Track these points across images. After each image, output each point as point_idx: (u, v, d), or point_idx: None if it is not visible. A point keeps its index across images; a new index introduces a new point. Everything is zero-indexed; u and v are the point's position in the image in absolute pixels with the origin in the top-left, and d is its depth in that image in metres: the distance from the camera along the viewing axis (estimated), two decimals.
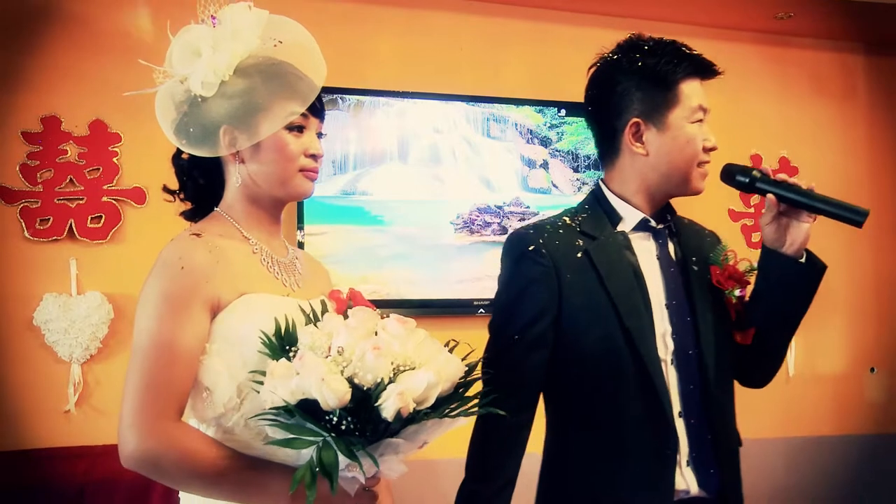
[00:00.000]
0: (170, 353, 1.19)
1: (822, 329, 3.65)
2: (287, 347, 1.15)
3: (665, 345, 1.50)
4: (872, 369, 3.74)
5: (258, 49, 1.33)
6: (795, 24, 3.56)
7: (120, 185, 2.76)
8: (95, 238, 2.74)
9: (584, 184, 3.32)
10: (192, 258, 1.23)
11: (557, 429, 1.57)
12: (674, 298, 1.52)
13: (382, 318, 1.19)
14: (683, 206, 1.63)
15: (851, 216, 1.40)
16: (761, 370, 1.64)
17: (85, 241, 2.74)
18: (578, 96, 3.52)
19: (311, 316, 1.23)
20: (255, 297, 1.27)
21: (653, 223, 1.56)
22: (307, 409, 1.07)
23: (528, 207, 3.25)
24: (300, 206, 2.94)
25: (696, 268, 1.56)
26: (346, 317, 1.21)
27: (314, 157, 1.36)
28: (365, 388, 1.08)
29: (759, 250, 1.54)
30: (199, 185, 1.40)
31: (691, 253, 1.58)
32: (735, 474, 1.54)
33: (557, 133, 3.31)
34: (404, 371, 1.10)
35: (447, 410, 1.13)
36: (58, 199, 2.72)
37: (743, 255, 1.59)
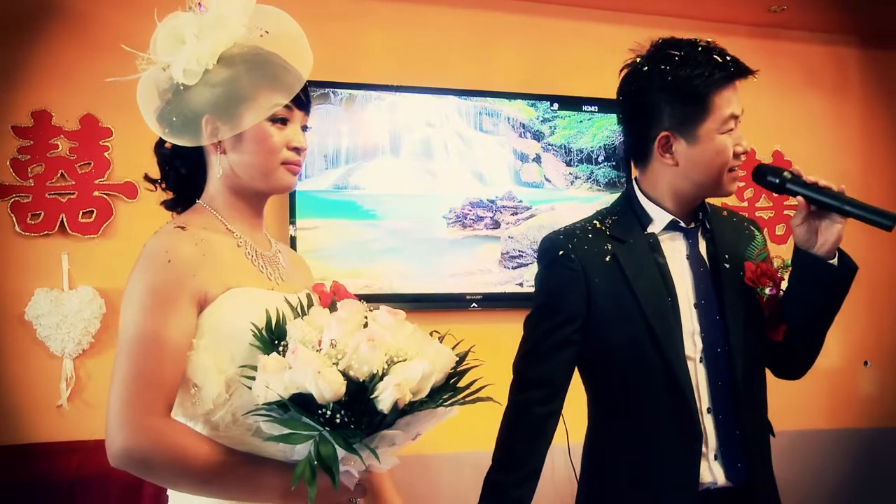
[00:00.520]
0: (157, 347, 1.16)
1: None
2: (277, 341, 1.14)
3: (694, 344, 1.54)
4: (866, 363, 3.74)
5: (244, 38, 1.31)
6: (788, 16, 3.55)
7: (111, 180, 2.76)
8: (87, 233, 2.74)
9: (576, 178, 3.32)
10: (179, 251, 1.21)
11: (593, 419, 1.64)
12: (703, 298, 1.56)
13: (370, 309, 1.18)
14: None
15: (881, 220, 1.40)
16: (794, 364, 1.65)
17: (76, 236, 2.74)
18: (571, 90, 3.54)
19: (299, 309, 1.22)
20: (241, 290, 1.25)
21: (682, 224, 1.58)
22: (300, 403, 1.06)
23: (520, 202, 3.25)
24: (292, 200, 2.94)
25: (727, 265, 1.57)
26: (332, 309, 1.21)
27: (297, 150, 1.33)
28: (360, 381, 1.07)
29: (781, 244, 1.56)
30: (181, 174, 1.37)
31: (726, 250, 1.59)
32: (765, 465, 1.57)
33: (550, 127, 3.30)
34: (397, 362, 1.09)
35: (441, 400, 1.12)
36: (49, 194, 2.71)
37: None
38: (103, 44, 2.73)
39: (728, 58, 1.53)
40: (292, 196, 2.93)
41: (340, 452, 1.07)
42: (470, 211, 3.18)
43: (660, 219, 1.58)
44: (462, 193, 3.18)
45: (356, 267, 3.04)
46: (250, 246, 1.34)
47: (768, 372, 1.66)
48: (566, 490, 2.89)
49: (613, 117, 3.18)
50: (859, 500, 3.50)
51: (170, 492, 1.28)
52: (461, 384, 1.16)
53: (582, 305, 1.55)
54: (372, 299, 2.96)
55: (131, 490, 2.52)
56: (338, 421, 1.05)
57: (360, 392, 1.06)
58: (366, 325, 1.14)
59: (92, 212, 2.75)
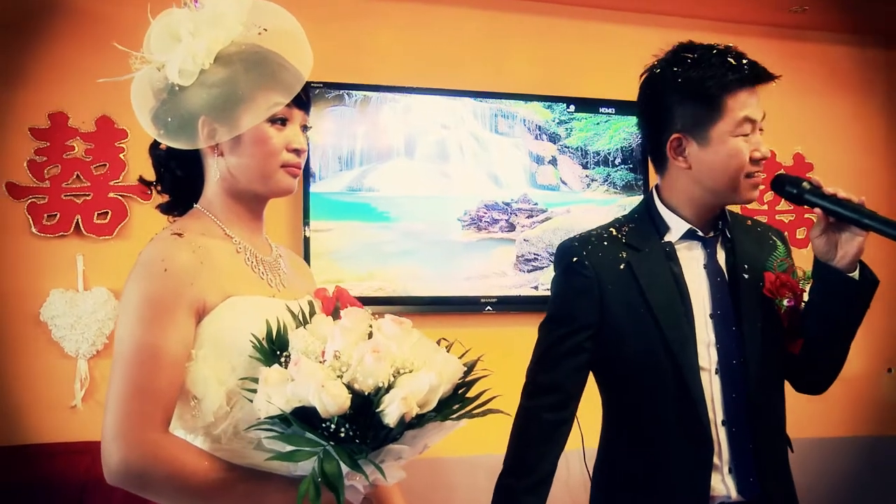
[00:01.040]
0: (154, 359, 1.12)
1: None
2: (278, 352, 1.10)
3: (709, 355, 1.51)
4: (890, 370, 3.67)
5: (241, 36, 1.26)
6: (809, 17, 3.50)
7: (126, 181, 2.77)
8: (102, 234, 2.75)
9: (592, 180, 3.29)
10: (176, 259, 1.17)
11: (607, 426, 1.63)
12: (719, 308, 1.53)
13: (375, 317, 1.14)
14: None
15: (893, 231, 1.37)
16: (814, 379, 1.61)
17: (91, 237, 2.75)
18: (586, 91, 3.50)
19: (301, 317, 1.18)
20: (241, 299, 1.21)
21: (700, 233, 1.56)
22: (303, 417, 1.02)
23: (536, 204, 3.22)
24: (306, 201, 2.93)
25: (746, 276, 1.54)
26: (335, 316, 1.17)
27: (297, 151, 1.29)
28: (366, 394, 1.03)
29: (801, 248, 1.53)
30: (177, 177, 1.33)
31: (746, 260, 1.56)
32: (780, 480, 1.54)
33: (566, 129, 3.27)
34: (403, 374, 1.05)
35: (449, 413, 1.08)
36: (65, 195, 2.73)
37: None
38: (120, 45, 2.74)
39: (744, 61, 1.50)
40: (306, 198, 2.93)
41: (345, 468, 1.03)
42: (485, 213, 3.16)
43: (677, 227, 1.56)
44: (477, 196, 3.16)
45: (370, 269, 3.02)
46: (250, 251, 1.30)
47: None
48: (581, 496, 2.85)
49: (630, 119, 3.20)
50: None
51: None
52: (470, 395, 1.12)
53: (595, 313, 1.53)
54: (386, 302, 2.97)
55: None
56: (342, 435, 1.01)
57: (365, 405, 1.02)
58: (370, 335, 1.10)
59: (107, 213, 2.76)
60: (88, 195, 2.74)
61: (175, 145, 1.26)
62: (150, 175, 1.36)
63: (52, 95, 2.74)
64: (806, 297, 1.53)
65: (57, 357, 2.69)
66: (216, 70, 1.23)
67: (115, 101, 2.74)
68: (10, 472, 2.55)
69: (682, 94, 1.51)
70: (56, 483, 2.56)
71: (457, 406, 1.10)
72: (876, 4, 3.35)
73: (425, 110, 3.13)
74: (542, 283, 3.16)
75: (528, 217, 3.21)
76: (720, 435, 1.50)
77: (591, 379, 1.61)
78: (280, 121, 1.27)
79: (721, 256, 1.57)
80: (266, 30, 1.27)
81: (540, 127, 3.25)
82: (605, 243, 1.57)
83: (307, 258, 2.90)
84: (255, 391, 1.07)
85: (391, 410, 1.01)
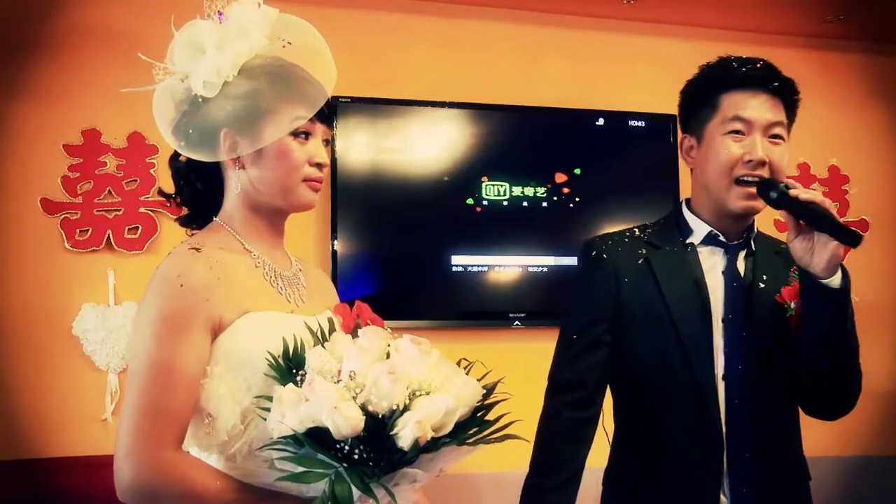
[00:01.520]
0: (169, 376, 1.11)
1: (879, 343, 3.50)
2: (294, 370, 1.09)
3: (717, 359, 1.50)
4: None
5: (265, 49, 1.26)
6: (845, 27, 3.43)
7: (156, 196, 2.79)
8: (132, 249, 2.78)
9: None
10: (192, 275, 1.16)
11: (618, 427, 1.61)
12: (731, 313, 1.51)
13: (394, 336, 1.13)
14: None
15: (842, 237, 1.32)
16: (817, 400, 1.55)
17: (122, 252, 2.78)
18: (619, 105, 3.45)
19: (319, 335, 1.16)
20: (258, 315, 1.20)
21: (722, 238, 1.55)
22: (316, 438, 1.01)
23: None
24: (334, 214, 2.93)
25: (763, 285, 1.52)
26: (354, 334, 1.16)
27: (319, 165, 1.28)
28: (380, 416, 1.01)
29: None
30: (197, 189, 1.32)
31: (767, 272, 1.54)
32: (779, 500, 1.49)
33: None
34: (419, 396, 1.03)
35: (466, 438, 1.06)
36: (96, 211, 2.76)
37: None
38: (150, 63, 2.77)
39: (749, 65, 1.49)
40: (334, 211, 2.93)
41: (356, 491, 1.01)
42: None
43: (699, 230, 1.56)
44: None
45: None
46: (269, 266, 1.28)
47: None
48: None
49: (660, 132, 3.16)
50: None
51: None
52: (489, 418, 1.10)
53: (611, 305, 1.54)
54: (412, 316, 2.95)
55: None
56: (356, 457, 1.00)
57: (378, 428, 1.01)
58: (388, 355, 1.08)
59: (137, 228, 2.79)
60: (119, 210, 2.78)
61: (196, 157, 1.25)
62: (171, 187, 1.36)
63: (85, 113, 2.79)
64: None
65: (88, 371, 2.72)
66: (240, 82, 1.23)
67: (146, 117, 2.70)
68: (42, 484, 2.58)
69: (690, 97, 1.57)
70: (86, 495, 2.57)
71: (474, 430, 1.08)
72: None
73: (454, 124, 3.12)
74: None
75: None
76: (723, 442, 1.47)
77: None
78: (303, 134, 1.26)
79: (741, 265, 1.55)
80: (290, 43, 1.27)
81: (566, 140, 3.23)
82: (627, 240, 1.60)
83: (335, 271, 2.90)
84: (269, 410, 1.06)
85: (405, 434, 1.00)
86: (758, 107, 1.48)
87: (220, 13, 1.24)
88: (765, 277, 1.53)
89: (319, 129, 1.29)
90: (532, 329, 3.06)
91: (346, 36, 2.97)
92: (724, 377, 1.49)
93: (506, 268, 3.10)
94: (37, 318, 2.70)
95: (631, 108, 3.25)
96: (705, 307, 1.51)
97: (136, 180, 2.80)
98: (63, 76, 2.78)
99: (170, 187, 1.37)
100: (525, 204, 3.15)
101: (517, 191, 3.14)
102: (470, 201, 3.09)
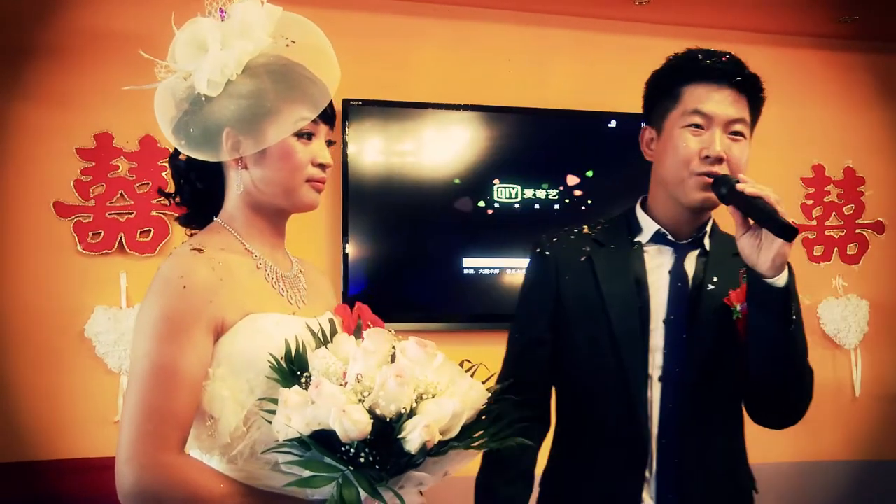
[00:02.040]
0: (171, 379, 1.10)
1: (890, 345, 3.47)
2: (297, 373, 1.08)
3: (653, 360, 1.47)
4: None
5: (269, 48, 1.24)
6: (860, 27, 3.39)
7: (167, 200, 2.79)
8: (144, 251, 2.79)
9: None
10: (195, 276, 1.14)
11: (556, 425, 1.60)
12: (673, 314, 1.48)
13: (398, 338, 1.12)
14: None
15: (776, 230, 1.29)
16: (763, 407, 1.52)
17: (134, 255, 2.79)
18: (628, 107, 3.43)
19: (321, 336, 1.16)
20: (260, 317, 1.19)
21: (670, 237, 1.51)
22: (322, 441, 1.00)
23: None
24: (345, 216, 2.93)
25: (712, 287, 1.49)
26: (356, 335, 1.15)
27: (322, 166, 1.27)
28: (387, 419, 1.01)
29: (821, 265, 1.45)
30: (197, 189, 1.30)
31: (717, 272, 1.50)
32: None
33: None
34: (426, 399, 1.03)
35: (472, 441, 1.06)
36: (109, 214, 2.77)
37: (803, 269, 1.48)
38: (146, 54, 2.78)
39: (714, 58, 1.46)
40: (345, 213, 2.93)
41: (363, 494, 1.01)
42: None
43: (648, 228, 1.54)
44: None
45: None
46: (270, 267, 1.27)
47: None
48: None
49: None
50: None
51: None
52: (494, 420, 1.10)
53: (551, 301, 1.53)
54: (426, 319, 2.94)
55: None
56: (362, 460, 0.99)
57: (386, 431, 1.00)
58: (393, 357, 1.08)
59: (149, 231, 2.80)
60: (132, 213, 2.79)
61: (197, 156, 1.23)
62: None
63: (97, 116, 2.80)
64: None
65: (101, 373, 2.73)
66: (243, 81, 1.21)
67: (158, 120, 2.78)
68: (55, 485, 2.59)
69: (653, 88, 1.54)
70: (100, 496, 2.58)
71: (480, 433, 1.07)
72: None
73: (463, 126, 3.11)
74: None
75: None
76: (652, 445, 1.45)
77: None
78: (306, 135, 1.25)
79: (690, 265, 1.51)
80: (294, 42, 1.25)
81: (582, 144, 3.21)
82: (573, 237, 1.58)
83: (346, 274, 2.90)
84: (273, 412, 1.05)
85: (413, 437, 0.99)
86: (720, 101, 1.44)
87: (221, 10, 1.22)
88: (716, 279, 1.49)
89: (323, 129, 1.28)
90: None
91: (357, 39, 2.97)
92: (660, 378, 1.46)
93: (517, 270, 3.07)
94: (49, 321, 2.72)
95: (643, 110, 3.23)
96: (644, 307, 1.48)
97: (147, 183, 2.81)
98: (75, 80, 2.79)
99: None
100: (537, 206, 3.14)
101: (529, 193, 3.13)
102: (481, 204, 3.09)
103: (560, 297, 1.53)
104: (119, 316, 2.72)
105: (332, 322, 1.22)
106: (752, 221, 1.35)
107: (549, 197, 3.15)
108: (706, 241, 1.53)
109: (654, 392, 1.46)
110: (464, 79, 3.15)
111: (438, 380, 1.06)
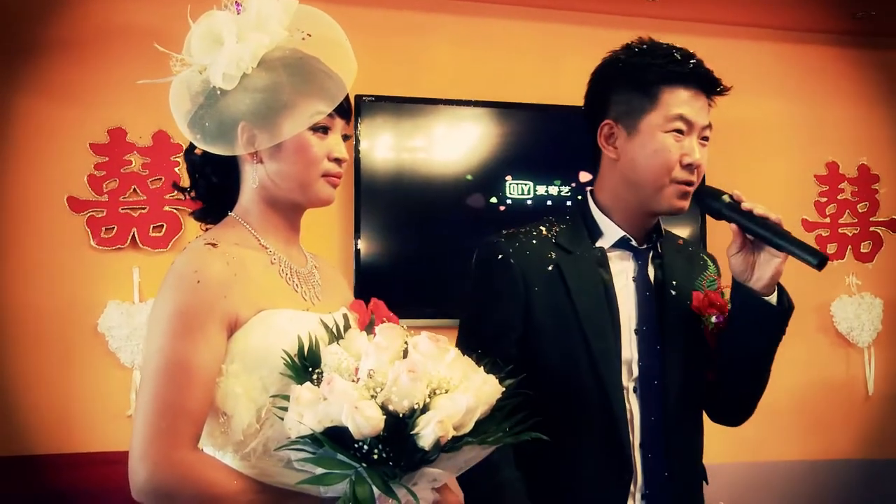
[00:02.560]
0: (184, 374, 1.08)
1: None
2: (310, 369, 1.07)
3: (630, 372, 1.43)
4: None
5: (285, 41, 1.23)
6: (876, 23, 3.36)
7: (181, 195, 2.79)
8: (157, 247, 2.80)
9: None
10: (209, 271, 1.13)
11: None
12: (645, 324, 1.45)
13: (410, 334, 1.11)
14: None
15: (810, 258, 1.27)
16: (725, 408, 1.53)
17: (147, 250, 2.79)
18: None
19: (335, 332, 1.15)
20: (274, 313, 1.17)
21: (634, 242, 1.48)
22: (335, 438, 0.99)
23: None
24: (357, 213, 2.92)
25: (674, 292, 1.47)
26: (369, 331, 1.15)
27: (338, 161, 1.25)
28: (400, 415, 1.00)
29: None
30: (212, 183, 1.29)
31: (675, 277, 1.49)
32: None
33: None
34: (438, 394, 1.02)
35: (486, 437, 1.05)
36: (122, 209, 2.78)
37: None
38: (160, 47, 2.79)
39: (693, 60, 1.43)
40: (357, 209, 2.92)
41: (376, 491, 1.00)
42: None
43: (610, 233, 1.48)
44: None
45: None
46: (284, 263, 1.26)
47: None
48: None
49: None
50: None
51: None
52: (507, 417, 1.09)
53: (519, 315, 1.43)
54: (440, 314, 2.93)
55: None
56: (375, 457, 0.98)
57: (399, 427, 0.99)
58: (405, 352, 1.07)
59: (162, 226, 2.81)
60: (145, 209, 2.79)
61: (213, 150, 1.22)
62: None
63: (110, 111, 2.80)
64: None
65: (113, 367, 2.74)
66: (259, 75, 1.21)
67: (171, 116, 2.77)
68: (68, 478, 2.60)
69: (622, 80, 1.45)
70: (111, 490, 2.59)
71: (494, 428, 1.06)
72: None
73: (476, 123, 3.11)
74: None
75: None
76: (636, 458, 1.42)
77: None
78: (322, 129, 1.24)
79: (650, 270, 1.48)
80: (310, 35, 1.24)
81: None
82: (534, 242, 1.47)
83: (358, 271, 2.90)
84: (286, 409, 1.05)
85: (427, 433, 0.98)
86: (699, 108, 1.42)
87: (237, 3, 1.22)
88: (674, 283, 1.47)
89: (339, 123, 1.26)
90: None
91: (370, 34, 2.96)
92: (636, 391, 1.43)
93: None
94: (62, 316, 2.73)
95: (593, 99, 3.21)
96: (616, 318, 1.43)
97: (160, 178, 2.81)
98: (89, 75, 2.80)
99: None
100: (549, 203, 3.12)
101: (541, 190, 3.12)
102: (494, 200, 3.08)
103: (530, 310, 1.42)
104: (132, 311, 2.73)
105: (345, 317, 1.22)
106: (748, 238, 1.34)
107: (562, 194, 3.14)
108: (658, 244, 1.51)
109: (634, 404, 1.43)
110: (476, 75, 3.14)
111: (451, 375, 1.04)
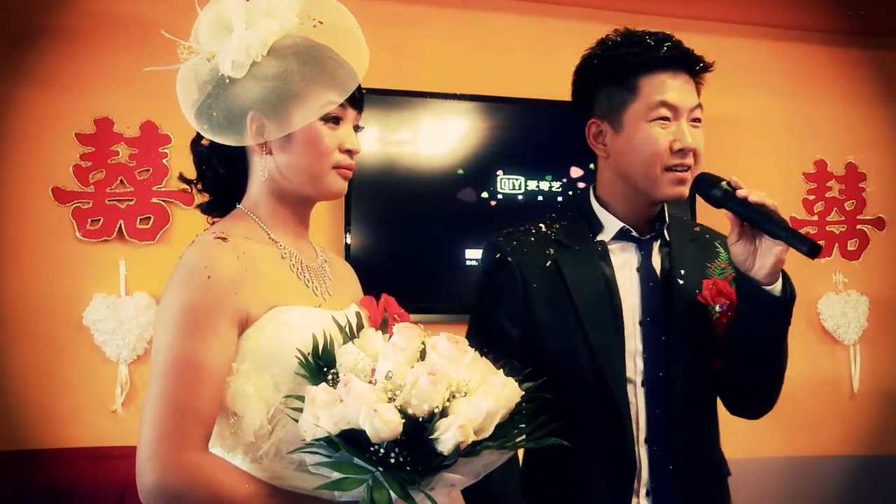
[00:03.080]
0: (194, 373, 1.05)
1: (889, 342, 3.47)
2: (325, 369, 1.04)
3: (635, 365, 1.42)
4: None
5: (296, 28, 1.19)
6: (868, 22, 3.37)
7: (169, 187, 2.76)
8: (144, 239, 2.76)
9: None
10: (219, 266, 1.09)
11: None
12: (649, 315, 1.44)
13: (427, 334, 1.08)
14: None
15: (800, 245, 1.25)
16: (741, 401, 1.51)
17: (134, 242, 2.75)
18: None
19: (348, 331, 1.12)
20: (286, 309, 1.14)
21: (634, 233, 1.46)
22: (351, 441, 0.96)
23: None
24: (347, 206, 2.90)
25: (682, 282, 1.45)
26: (382, 329, 1.12)
27: (350, 152, 1.22)
28: (419, 419, 0.97)
29: (821, 260, 1.44)
30: (220, 175, 1.25)
31: (684, 265, 1.46)
32: (701, 500, 1.45)
33: None
34: (458, 398, 0.99)
35: (506, 441, 1.02)
36: (108, 200, 2.74)
37: (803, 264, 1.45)
38: (164, 52, 2.74)
39: (668, 43, 1.41)
40: (348, 203, 2.90)
41: (394, 495, 0.97)
42: None
43: (610, 226, 1.47)
44: None
45: None
46: (295, 257, 1.22)
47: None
48: None
49: None
50: None
51: None
52: (527, 421, 1.06)
53: (519, 311, 1.43)
54: (440, 310, 2.90)
55: None
56: (392, 461, 0.95)
57: (418, 431, 0.96)
58: (423, 353, 1.04)
59: (149, 218, 2.76)
60: (131, 200, 2.75)
61: (220, 141, 1.19)
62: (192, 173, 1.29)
63: (97, 101, 2.75)
64: None
65: (99, 361, 2.70)
66: (269, 63, 1.17)
67: (159, 106, 2.74)
68: (52, 474, 2.57)
69: (601, 75, 1.44)
70: (96, 486, 2.56)
71: (514, 433, 1.04)
72: None
73: (469, 116, 3.09)
74: None
75: None
76: (641, 453, 1.40)
77: None
78: (333, 119, 1.20)
79: (657, 260, 1.47)
80: (321, 23, 1.21)
81: None
82: (532, 239, 1.47)
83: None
84: (300, 410, 1.01)
85: (447, 438, 0.95)
86: (680, 90, 1.39)
87: None
88: (682, 272, 1.45)
89: (350, 114, 1.23)
90: None
91: (360, 26, 2.93)
92: (643, 384, 1.41)
93: None
94: (47, 308, 2.68)
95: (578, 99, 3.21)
96: (617, 310, 1.42)
97: (148, 170, 2.77)
98: (76, 64, 2.75)
99: (187, 174, 1.30)
100: (540, 198, 3.11)
101: (532, 185, 3.11)
102: (484, 195, 3.06)
103: (529, 308, 1.43)
104: (118, 304, 2.69)
105: (358, 315, 1.18)
106: (747, 226, 1.32)
107: (553, 189, 3.13)
108: (665, 232, 1.49)
109: (639, 398, 1.41)
110: (468, 68, 3.12)
111: (470, 377, 1.02)
